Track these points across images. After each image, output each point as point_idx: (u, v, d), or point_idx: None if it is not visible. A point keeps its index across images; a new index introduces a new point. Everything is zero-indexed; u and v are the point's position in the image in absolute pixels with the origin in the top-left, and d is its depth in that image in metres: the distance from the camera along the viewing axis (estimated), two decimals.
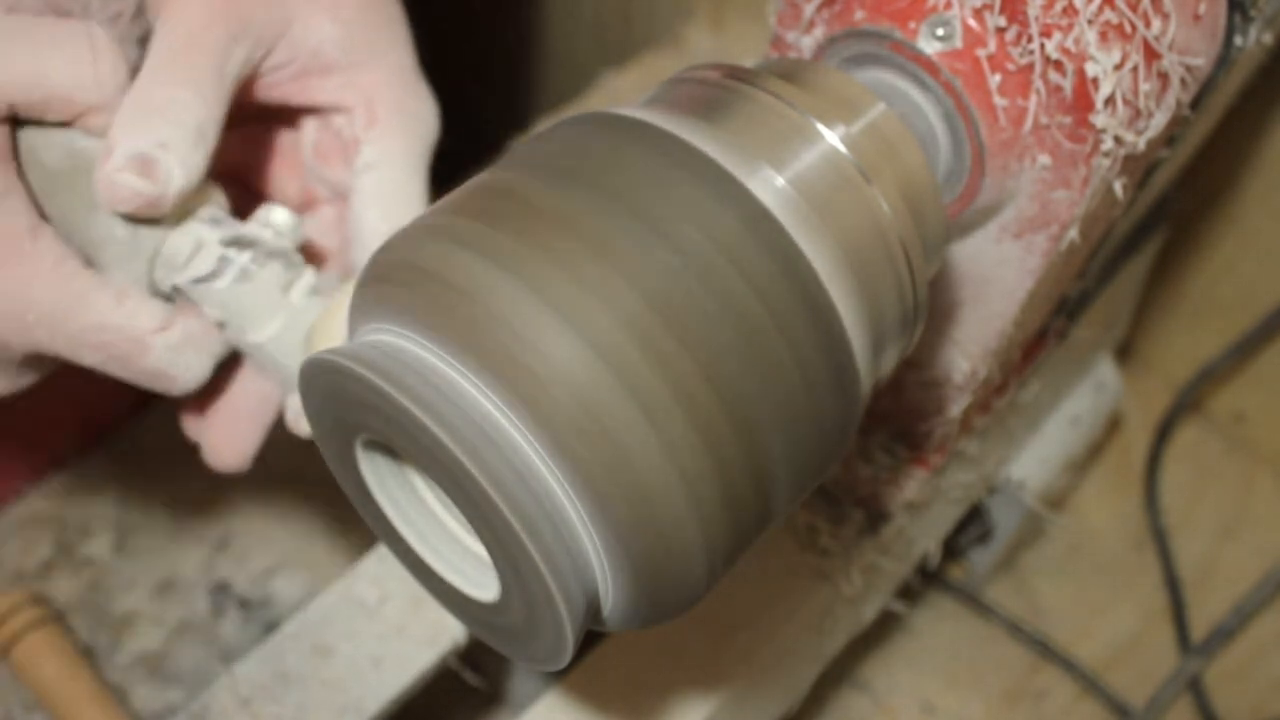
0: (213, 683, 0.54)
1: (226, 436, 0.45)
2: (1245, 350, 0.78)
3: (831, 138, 0.36)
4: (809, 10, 0.44)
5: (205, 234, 0.40)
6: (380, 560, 0.56)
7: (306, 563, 0.71)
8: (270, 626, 0.68)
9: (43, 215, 0.40)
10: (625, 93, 0.80)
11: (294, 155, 0.47)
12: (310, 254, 0.46)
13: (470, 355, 0.31)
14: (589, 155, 0.34)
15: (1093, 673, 0.75)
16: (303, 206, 0.48)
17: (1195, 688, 0.75)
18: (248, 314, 0.41)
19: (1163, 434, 0.83)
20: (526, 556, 0.31)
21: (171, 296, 0.41)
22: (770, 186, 0.34)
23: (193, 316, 0.41)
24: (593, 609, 0.33)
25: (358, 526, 0.70)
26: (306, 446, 0.75)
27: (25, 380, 0.42)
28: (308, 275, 0.42)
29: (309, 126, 0.46)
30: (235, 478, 0.72)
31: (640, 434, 0.30)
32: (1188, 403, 0.82)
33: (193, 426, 0.46)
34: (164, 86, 0.39)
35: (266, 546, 0.71)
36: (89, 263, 0.40)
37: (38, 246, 0.38)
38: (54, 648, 0.60)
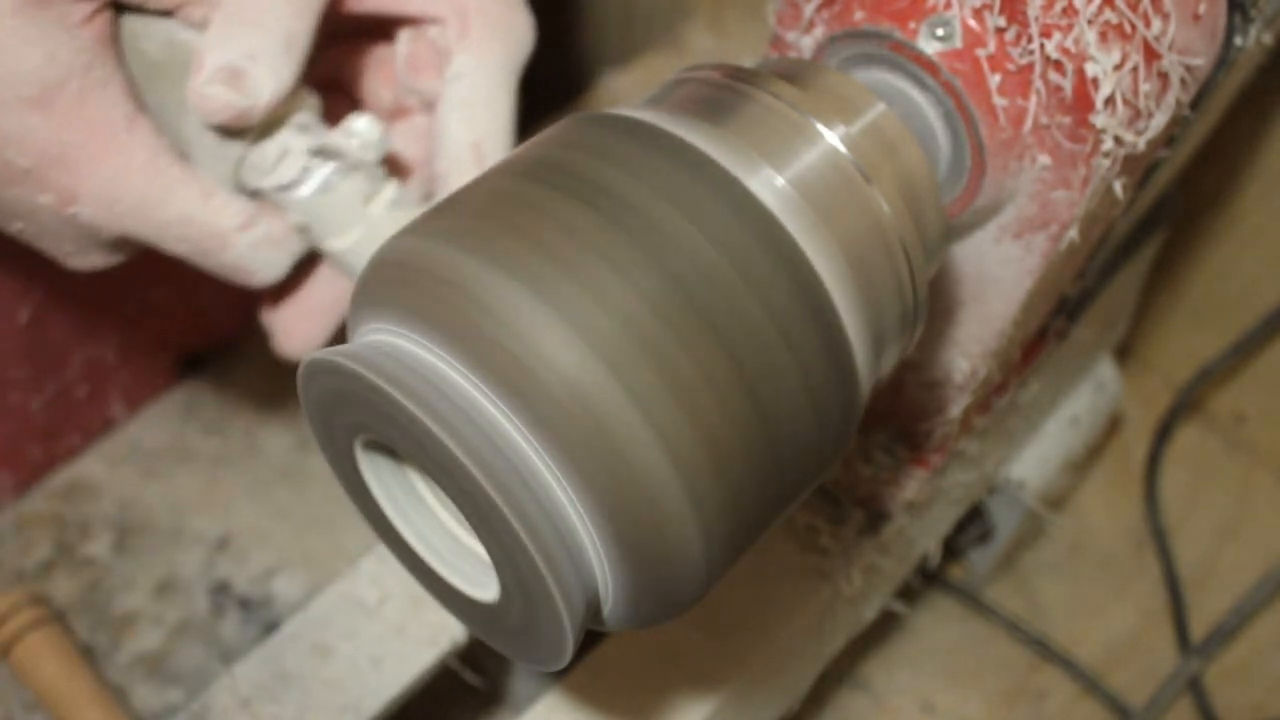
0: (213, 683, 0.54)
1: (296, 326, 0.47)
2: (1245, 350, 0.78)
3: (831, 138, 0.36)
4: (809, 10, 0.44)
5: (292, 141, 0.41)
6: (380, 560, 0.56)
7: (306, 563, 0.71)
8: (270, 626, 0.68)
9: (140, 105, 0.41)
10: (625, 93, 0.80)
11: (390, 67, 0.48)
12: (396, 166, 0.47)
13: (470, 355, 0.31)
14: (590, 155, 0.34)
15: (1093, 673, 0.75)
16: (396, 117, 0.48)
17: (1195, 688, 0.75)
18: (328, 222, 0.42)
19: (1163, 434, 0.83)
20: (526, 556, 0.31)
21: (256, 195, 0.42)
22: (770, 186, 0.34)
23: (275, 217, 0.42)
24: (593, 609, 0.33)
25: (358, 526, 0.70)
26: (307, 446, 0.75)
27: (117, 258, 0.44)
28: (390, 189, 0.43)
29: (403, 38, 0.46)
30: (235, 475, 0.72)
31: (640, 434, 0.30)
32: (1188, 403, 0.82)
33: (267, 314, 0.48)
34: None
35: (266, 546, 0.71)
36: (182, 155, 0.41)
37: (133, 138, 0.40)
38: (54, 648, 0.60)
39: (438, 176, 0.45)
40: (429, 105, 0.47)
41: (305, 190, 0.41)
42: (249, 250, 0.42)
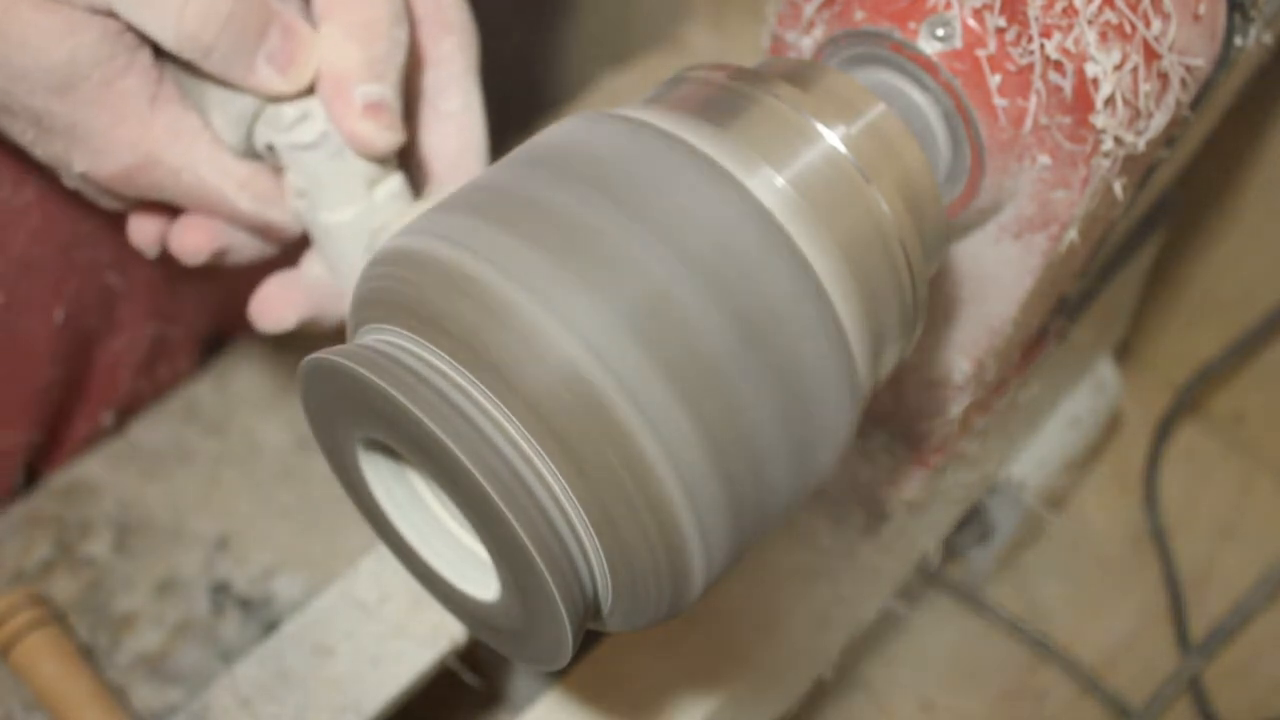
0: (213, 683, 0.54)
1: (273, 298, 0.46)
2: (1245, 350, 0.78)
3: (831, 138, 0.36)
4: (809, 10, 0.44)
5: (314, 106, 0.42)
6: (380, 560, 0.56)
7: (306, 563, 0.71)
8: (270, 626, 0.68)
9: (161, 74, 0.41)
10: (625, 93, 0.80)
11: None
12: (412, 161, 0.47)
13: (470, 355, 0.31)
14: (589, 156, 0.34)
15: (1093, 673, 0.75)
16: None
17: (1195, 688, 0.75)
18: (329, 191, 0.42)
19: (1163, 434, 0.83)
20: (526, 556, 0.31)
21: (265, 155, 0.43)
22: (770, 186, 0.34)
23: (272, 177, 0.43)
24: (592, 609, 0.33)
25: (358, 526, 0.70)
26: (307, 446, 0.75)
27: (126, 205, 0.46)
28: (395, 179, 0.43)
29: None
30: (235, 475, 0.72)
31: (640, 435, 0.30)
32: (1187, 403, 0.82)
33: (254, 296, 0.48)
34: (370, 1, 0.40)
35: (266, 546, 0.71)
36: (198, 100, 0.42)
37: (155, 114, 0.41)
38: (54, 648, 0.60)
39: (432, 180, 0.45)
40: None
41: (317, 154, 0.42)
42: (252, 206, 0.43)
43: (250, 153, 0.43)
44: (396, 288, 0.33)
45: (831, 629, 0.60)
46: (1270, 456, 0.84)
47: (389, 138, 0.41)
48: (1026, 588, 0.80)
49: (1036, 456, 0.70)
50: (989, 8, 0.39)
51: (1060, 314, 0.59)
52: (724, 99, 0.36)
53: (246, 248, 0.46)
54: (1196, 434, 0.86)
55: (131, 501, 0.72)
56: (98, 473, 0.73)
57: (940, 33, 0.40)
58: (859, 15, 0.42)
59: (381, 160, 0.43)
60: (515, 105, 1.07)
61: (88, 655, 0.65)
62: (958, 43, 0.40)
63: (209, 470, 0.74)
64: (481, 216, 0.32)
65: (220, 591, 0.69)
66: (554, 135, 0.35)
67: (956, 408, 0.52)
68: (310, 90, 0.42)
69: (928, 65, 0.41)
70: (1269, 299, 0.76)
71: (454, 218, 0.33)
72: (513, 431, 0.31)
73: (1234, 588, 0.78)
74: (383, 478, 0.37)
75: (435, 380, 0.31)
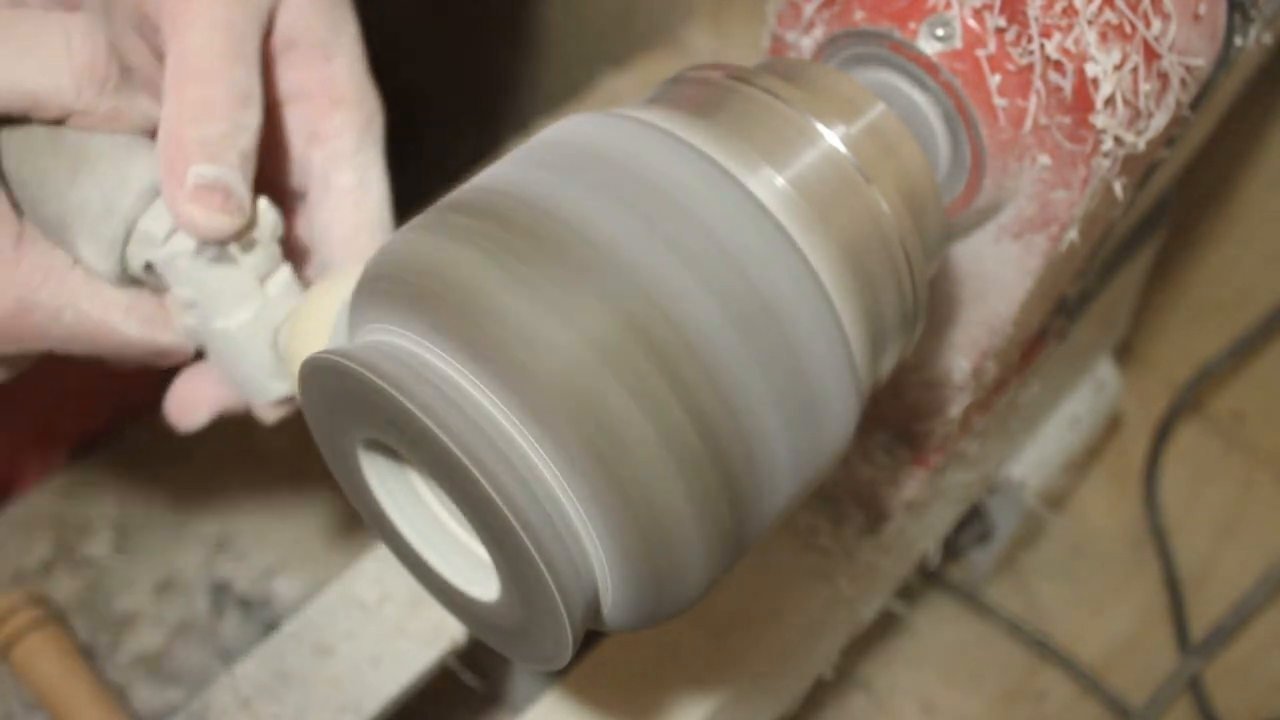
0: (213, 683, 0.54)
1: (187, 396, 0.44)
2: (1245, 350, 0.78)
3: (831, 138, 0.36)
4: (809, 10, 0.44)
5: None
6: (380, 560, 0.56)
7: (306, 563, 0.71)
8: (270, 626, 0.68)
9: (19, 214, 0.39)
10: (625, 93, 0.80)
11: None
12: (291, 249, 0.45)
13: (470, 355, 0.31)
14: (589, 155, 0.34)
15: (1093, 673, 0.75)
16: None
17: (1195, 687, 0.75)
18: (220, 298, 0.40)
19: (1163, 434, 0.83)
20: (526, 556, 0.31)
21: (141, 277, 0.41)
22: (770, 186, 0.34)
23: (155, 299, 0.41)
24: (592, 609, 0.33)
25: (358, 526, 0.70)
26: (306, 446, 0.75)
27: (9, 375, 0.42)
28: (285, 270, 0.42)
29: (292, 116, 0.44)
30: (235, 475, 0.72)
31: (640, 433, 0.30)
32: (1187, 403, 0.82)
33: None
34: (211, 82, 0.38)
35: (266, 546, 0.71)
36: (62, 238, 0.39)
37: (20, 256, 0.39)
38: (54, 648, 0.60)
39: (328, 261, 0.44)
40: (303, 185, 0.45)
41: (198, 262, 0.39)
42: (141, 332, 0.40)
43: (125, 280, 0.41)
44: (396, 286, 0.33)
45: (831, 629, 0.60)
46: (1270, 456, 0.84)
47: (220, 222, 0.38)
48: (1026, 588, 0.80)
49: (1036, 456, 0.70)
50: (989, 8, 0.39)
51: (1060, 314, 0.59)
52: (724, 99, 0.36)
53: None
54: (1196, 434, 0.86)
55: (131, 501, 0.72)
56: (98, 473, 0.73)
57: (940, 33, 0.40)
58: (859, 15, 0.42)
59: (225, 242, 0.40)
60: (515, 105, 1.07)
61: (88, 655, 0.65)
62: (958, 43, 0.40)
63: (209, 470, 0.74)
64: (481, 215, 0.32)
65: (220, 591, 0.69)
66: (554, 135, 0.35)
67: (956, 408, 0.52)
68: None
69: (928, 65, 0.41)
70: (1268, 299, 0.76)
71: (454, 216, 0.33)
72: (513, 431, 0.31)
73: (1234, 588, 0.78)
74: (383, 478, 0.37)
75: (435, 380, 0.31)
